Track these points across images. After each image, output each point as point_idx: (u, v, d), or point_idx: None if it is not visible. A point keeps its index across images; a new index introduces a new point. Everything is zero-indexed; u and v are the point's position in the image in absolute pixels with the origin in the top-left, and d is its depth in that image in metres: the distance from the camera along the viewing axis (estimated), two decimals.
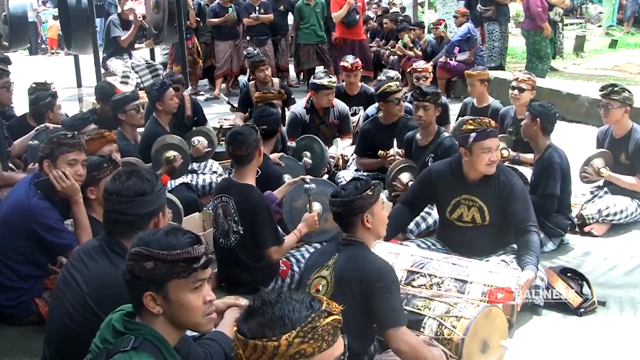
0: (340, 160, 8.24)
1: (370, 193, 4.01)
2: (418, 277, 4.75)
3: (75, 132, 5.33)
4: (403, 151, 7.24)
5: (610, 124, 6.92)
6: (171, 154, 6.82)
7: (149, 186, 3.62)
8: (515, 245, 5.40)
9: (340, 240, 4.22)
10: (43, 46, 27.16)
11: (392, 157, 7.28)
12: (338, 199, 4.07)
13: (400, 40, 15.19)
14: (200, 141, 7.82)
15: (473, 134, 5.29)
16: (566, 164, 6.22)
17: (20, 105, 8.85)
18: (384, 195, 6.42)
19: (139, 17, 12.08)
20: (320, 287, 3.99)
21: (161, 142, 6.98)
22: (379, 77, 9.30)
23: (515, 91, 7.80)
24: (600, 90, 6.92)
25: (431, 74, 9.82)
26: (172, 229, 2.81)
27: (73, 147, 5.03)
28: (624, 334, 4.86)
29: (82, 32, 11.60)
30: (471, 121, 5.44)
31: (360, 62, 9.50)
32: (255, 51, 11.40)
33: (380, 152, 7.46)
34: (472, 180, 5.46)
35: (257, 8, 14.42)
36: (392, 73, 9.40)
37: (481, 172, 5.38)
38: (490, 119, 5.57)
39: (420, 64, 9.87)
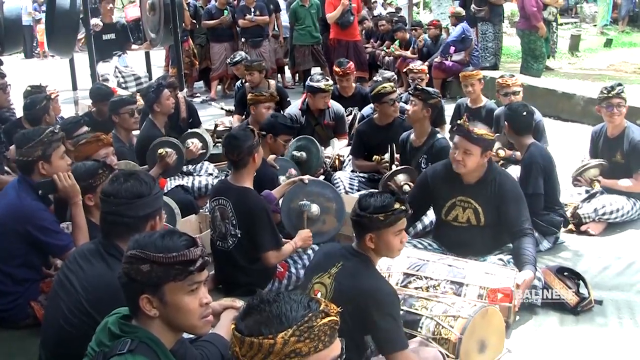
0: (337, 161, 8.24)
1: (382, 218, 3.88)
2: (414, 279, 4.75)
3: (58, 127, 5.35)
4: (399, 155, 7.21)
5: (616, 123, 6.83)
6: (163, 150, 6.81)
7: (146, 188, 3.62)
8: (511, 245, 5.42)
9: (349, 247, 4.13)
10: (37, 50, 27.06)
11: (387, 163, 7.28)
12: (355, 208, 4.02)
13: (397, 41, 15.23)
14: (193, 143, 7.81)
15: None
16: (548, 161, 6.20)
17: (19, 109, 8.85)
18: None
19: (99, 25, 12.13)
20: (319, 295, 3.96)
21: (155, 141, 7.00)
22: (375, 78, 9.32)
23: (512, 96, 7.84)
24: (609, 90, 6.81)
25: (427, 76, 9.84)
26: (168, 232, 2.80)
27: (59, 140, 5.08)
28: (620, 335, 4.86)
29: (67, 35, 11.54)
30: None
31: (352, 66, 9.52)
32: (239, 56, 11.29)
33: (375, 157, 7.46)
34: (468, 182, 5.45)
35: (252, 10, 14.40)
36: (388, 74, 9.40)
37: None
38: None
39: (417, 65, 9.89)
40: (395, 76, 9.44)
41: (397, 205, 3.93)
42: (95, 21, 12.16)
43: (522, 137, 6.30)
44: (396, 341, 3.74)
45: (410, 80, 9.49)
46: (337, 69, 9.36)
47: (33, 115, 7.27)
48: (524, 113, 6.28)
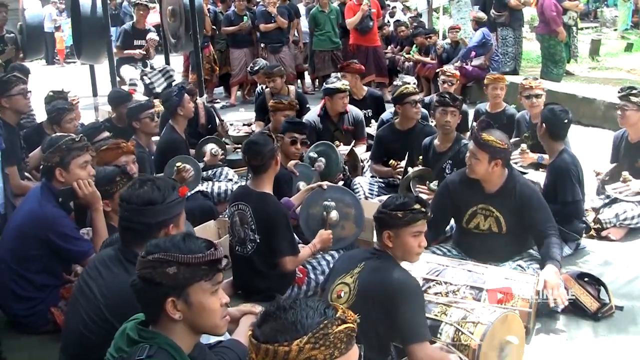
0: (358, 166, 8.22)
1: (400, 215, 3.97)
2: (434, 284, 4.74)
3: (82, 135, 5.37)
4: (421, 159, 7.18)
5: (625, 127, 6.88)
6: (182, 164, 6.80)
7: (159, 196, 3.59)
8: (531, 251, 5.42)
9: (371, 249, 4.24)
10: (57, 57, 27.15)
11: (401, 169, 7.26)
12: (379, 207, 4.14)
13: (415, 47, 15.21)
14: (214, 149, 7.83)
15: None
16: (580, 168, 6.17)
17: (40, 115, 8.90)
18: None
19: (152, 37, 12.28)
20: (342, 294, 4.01)
21: (176, 157, 7.01)
22: (395, 82, 9.30)
23: (533, 99, 7.77)
24: (618, 92, 6.89)
25: (458, 81, 9.75)
26: (186, 235, 2.83)
27: (82, 149, 5.09)
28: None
29: (95, 41, 11.65)
30: None
31: (358, 67, 9.65)
32: (259, 64, 11.21)
33: (392, 161, 7.45)
34: (489, 190, 5.44)
35: (272, 15, 14.39)
36: (409, 78, 9.35)
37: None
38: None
39: (450, 69, 9.80)
40: (416, 81, 9.37)
41: (416, 206, 4.01)
42: (151, 35, 12.35)
43: (556, 143, 6.24)
44: (417, 332, 3.80)
45: (440, 82, 9.39)
46: (340, 65, 9.45)
47: (49, 121, 7.34)
48: (565, 120, 6.22)
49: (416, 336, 3.78)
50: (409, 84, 8.28)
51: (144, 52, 12.40)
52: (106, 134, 6.78)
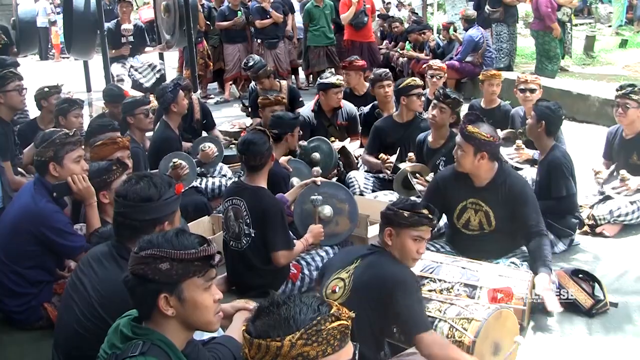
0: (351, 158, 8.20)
1: (405, 215, 4.00)
2: (428, 282, 4.73)
3: (75, 130, 5.36)
4: (413, 154, 7.17)
5: (624, 124, 6.87)
6: (178, 160, 6.78)
7: (155, 192, 3.57)
8: (524, 248, 5.39)
9: (368, 245, 4.28)
10: (52, 52, 27.05)
11: (391, 164, 7.25)
12: (388, 204, 4.21)
13: (408, 43, 15.20)
14: (210, 147, 7.80)
15: None
16: (571, 162, 6.17)
17: (33, 111, 8.86)
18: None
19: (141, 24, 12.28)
20: (337, 289, 4.02)
21: (172, 153, 6.98)
22: (370, 77, 9.25)
23: (527, 93, 7.78)
24: (618, 90, 6.88)
25: (445, 74, 9.77)
26: (179, 231, 2.82)
27: (75, 144, 5.09)
28: (634, 339, 4.82)
29: (86, 36, 11.61)
30: None
31: (360, 63, 9.63)
32: (253, 60, 11.10)
33: (381, 156, 7.42)
34: (479, 184, 5.42)
35: (267, 11, 14.36)
36: (381, 70, 9.22)
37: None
38: None
39: (437, 62, 9.82)
40: (389, 71, 9.32)
41: (424, 211, 4.05)
42: (126, 26, 12.28)
43: (549, 138, 6.22)
44: (420, 322, 3.83)
45: (429, 77, 9.42)
46: (343, 63, 9.40)
47: (56, 113, 7.32)
48: (562, 116, 6.25)
49: (420, 326, 3.81)
50: (380, 75, 8.32)
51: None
52: (117, 134, 6.73)
